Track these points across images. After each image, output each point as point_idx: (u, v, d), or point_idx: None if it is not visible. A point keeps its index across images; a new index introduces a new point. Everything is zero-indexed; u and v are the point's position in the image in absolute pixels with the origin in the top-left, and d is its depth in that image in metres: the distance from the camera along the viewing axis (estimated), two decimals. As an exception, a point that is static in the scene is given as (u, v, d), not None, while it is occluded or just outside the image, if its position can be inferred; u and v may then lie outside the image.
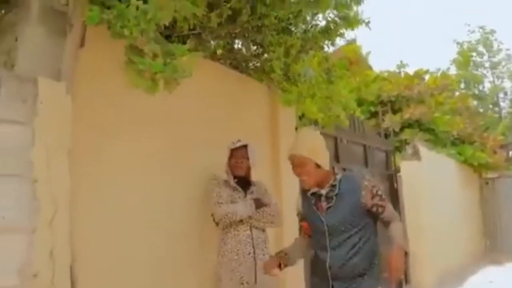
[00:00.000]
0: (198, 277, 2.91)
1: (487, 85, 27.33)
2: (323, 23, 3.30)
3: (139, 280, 2.48)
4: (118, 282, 2.36)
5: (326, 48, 3.45)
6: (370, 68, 9.87)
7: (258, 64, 3.26)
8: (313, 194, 2.69)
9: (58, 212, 1.98)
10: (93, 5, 2.24)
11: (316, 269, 2.73)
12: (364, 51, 8.45)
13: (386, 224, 2.64)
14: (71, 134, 2.10)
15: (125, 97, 2.48)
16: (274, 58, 2.94)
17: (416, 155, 8.12)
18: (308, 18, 3.16)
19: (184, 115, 2.86)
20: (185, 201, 2.85)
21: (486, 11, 43.54)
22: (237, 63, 3.32)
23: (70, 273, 2.01)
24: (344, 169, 5.68)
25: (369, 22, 3.07)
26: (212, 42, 2.97)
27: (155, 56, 2.23)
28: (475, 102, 24.22)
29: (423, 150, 8.36)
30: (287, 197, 3.67)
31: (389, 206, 2.65)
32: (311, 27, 3.20)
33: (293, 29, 3.16)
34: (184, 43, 2.82)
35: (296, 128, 3.81)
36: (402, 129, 9.63)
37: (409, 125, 9.81)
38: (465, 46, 27.47)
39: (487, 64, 27.66)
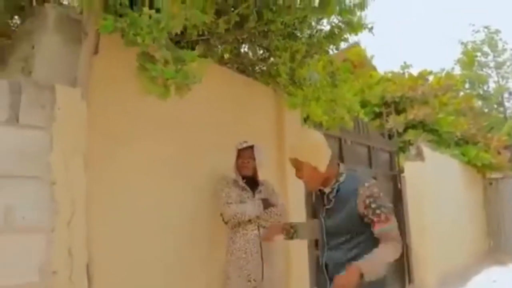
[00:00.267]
0: (207, 275, 2.99)
1: (492, 85, 27.26)
2: (327, 27, 3.36)
3: (151, 277, 2.57)
4: (131, 279, 2.45)
5: (330, 52, 3.53)
6: (374, 69, 9.93)
7: (264, 68, 3.34)
8: (320, 190, 2.59)
9: (75, 213, 2.07)
10: (107, 13, 2.34)
11: (319, 266, 2.67)
12: (368, 53, 8.50)
13: (377, 242, 2.38)
14: (86, 138, 2.19)
15: (137, 103, 2.57)
16: (280, 63, 3.03)
17: (419, 155, 8.18)
18: (313, 23, 3.24)
19: (194, 119, 2.94)
20: (195, 201, 2.94)
21: (490, 11, 43.46)
22: (243, 67, 3.40)
23: (86, 270, 2.10)
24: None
25: (372, 27, 3.16)
26: (219, 47, 3.04)
27: (166, 62, 2.32)
28: (479, 102, 24.20)
29: (426, 150, 8.42)
30: (293, 197, 3.76)
31: (382, 222, 2.35)
32: (316, 32, 3.28)
33: (298, 34, 3.24)
34: (193, 48, 2.92)
35: (301, 130, 3.88)
36: (406, 129, 9.69)
37: (413, 126, 9.87)
38: (469, 46, 27.42)
39: (492, 64, 27.59)
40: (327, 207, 2.55)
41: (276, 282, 3.09)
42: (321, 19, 3.19)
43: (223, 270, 2.98)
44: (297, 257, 3.89)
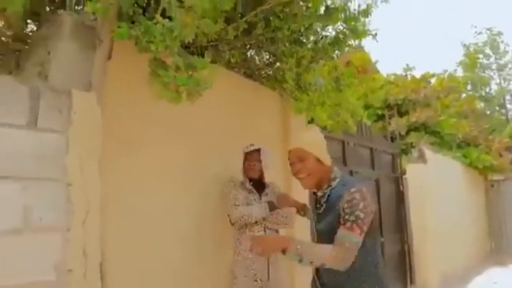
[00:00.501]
0: (216, 274, 3.07)
1: (494, 87, 27.28)
2: (332, 33, 3.43)
3: (160, 275, 2.65)
4: (141, 277, 2.53)
5: (335, 56, 3.60)
6: (377, 72, 10.00)
7: (271, 73, 3.41)
8: (314, 193, 2.53)
9: (90, 213, 2.15)
10: (120, 21, 2.42)
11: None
12: (372, 57, 8.56)
13: (364, 249, 2.26)
14: (101, 142, 2.27)
15: (149, 107, 2.64)
16: (286, 69, 3.11)
17: (421, 158, 8.25)
18: (319, 29, 3.31)
19: (203, 123, 3.02)
20: (204, 203, 3.01)
21: (493, 13, 43.44)
22: (250, 72, 3.47)
23: (100, 269, 2.18)
24: (351, 172, 5.85)
25: (376, 34, 3.24)
26: (228, 52, 3.12)
27: (177, 68, 2.40)
28: (481, 104, 24.25)
29: (428, 153, 8.48)
30: (298, 199, 3.83)
31: (346, 230, 2.20)
32: (321, 38, 3.35)
33: (304, 40, 3.32)
34: (202, 54, 3.00)
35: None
36: (408, 132, 9.75)
37: (415, 128, 9.93)
38: (471, 48, 27.45)
39: (494, 66, 27.61)
40: (318, 211, 2.49)
41: (282, 282, 3.17)
42: (326, 25, 3.26)
43: (230, 270, 3.06)
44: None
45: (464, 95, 19.48)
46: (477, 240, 11.93)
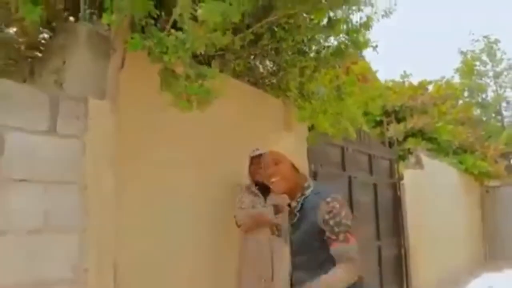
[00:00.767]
0: (224, 274, 3.17)
1: (490, 94, 27.50)
2: (334, 43, 3.55)
3: (171, 274, 2.75)
4: (152, 275, 2.63)
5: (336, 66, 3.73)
6: (377, 80, 10.16)
7: (274, 81, 3.53)
8: (289, 205, 2.45)
9: (104, 215, 2.26)
10: (133, 32, 2.53)
11: None
12: (372, 66, 8.71)
13: (334, 262, 2.22)
14: (115, 147, 2.39)
15: (159, 114, 2.75)
16: (290, 78, 3.24)
17: (419, 164, 8.39)
18: (321, 40, 3.43)
19: (211, 129, 3.12)
20: (212, 206, 3.11)
21: (490, 21, 43.78)
22: (255, 80, 3.59)
23: (113, 267, 2.29)
24: (350, 177, 5.97)
25: (376, 46, 3.37)
26: (234, 61, 3.23)
27: (187, 77, 2.51)
28: (478, 111, 24.45)
29: (425, 159, 8.62)
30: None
31: (342, 242, 2.17)
32: (323, 48, 3.47)
33: (307, 50, 3.44)
34: (209, 62, 3.11)
35: (307, 139, 4.06)
36: (405, 138, 9.89)
37: (413, 134, 10.07)
38: (469, 55, 27.66)
39: (490, 74, 27.83)
40: (292, 222, 2.41)
41: (286, 282, 3.28)
42: (328, 36, 3.38)
43: (237, 270, 3.17)
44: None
45: (461, 101, 19.69)
46: (472, 245, 12.07)
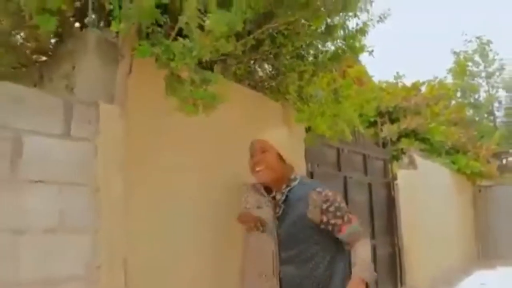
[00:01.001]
0: (229, 272, 3.27)
1: (482, 94, 27.78)
2: (331, 48, 3.67)
3: (178, 271, 2.85)
4: (160, 272, 2.73)
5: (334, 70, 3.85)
6: (372, 82, 10.32)
7: (273, 85, 3.64)
8: (273, 198, 2.44)
9: (115, 216, 2.37)
10: (140, 39, 2.63)
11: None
12: (367, 69, 8.85)
13: (348, 245, 2.30)
14: (124, 150, 2.49)
15: (165, 118, 2.85)
16: (290, 83, 3.36)
17: (412, 164, 8.54)
18: (319, 45, 3.55)
19: (215, 132, 3.22)
20: (217, 205, 3.19)
21: (482, 22, 44.16)
22: (254, 83, 3.69)
23: (123, 265, 2.40)
24: (345, 177, 6.10)
25: (372, 50, 3.49)
26: (235, 66, 3.34)
27: (192, 82, 2.62)
28: (471, 111, 24.72)
29: (418, 159, 8.78)
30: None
31: (347, 223, 2.23)
32: (321, 53, 3.59)
33: (305, 55, 3.55)
34: (211, 67, 3.22)
35: (305, 141, 4.17)
36: (399, 138, 10.05)
37: (406, 135, 10.24)
38: (461, 56, 27.91)
39: (483, 74, 28.11)
40: (277, 215, 2.40)
41: None
42: (326, 42, 3.50)
43: (240, 268, 3.27)
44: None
45: (453, 102, 19.91)
46: (465, 244, 12.25)
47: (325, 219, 2.24)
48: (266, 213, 3.19)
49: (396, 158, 8.86)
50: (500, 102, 27.39)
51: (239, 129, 3.44)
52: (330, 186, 2.63)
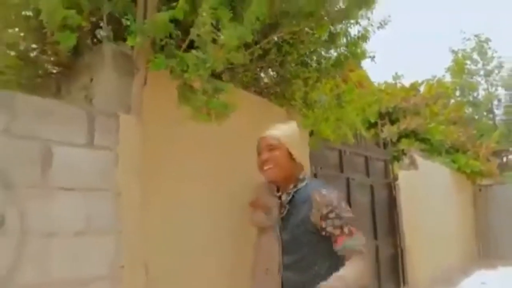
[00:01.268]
0: (241, 272, 3.41)
1: (481, 92, 27.88)
2: (334, 54, 3.82)
3: (195, 272, 2.99)
4: (177, 271, 2.87)
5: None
6: (372, 85, 10.48)
7: (279, 90, 3.78)
8: (279, 198, 2.35)
9: (135, 219, 2.52)
10: (154, 52, 2.78)
11: None
12: (368, 72, 9.02)
13: (342, 258, 2.08)
14: (141, 157, 2.64)
15: (179, 126, 3.00)
16: (295, 89, 3.51)
17: (413, 164, 8.68)
18: (323, 53, 3.71)
19: (224, 139, 3.36)
20: (229, 208, 3.32)
21: (481, 19, 44.37)
22: (260, 90, 3.84)
23: (144, 265, 2.55)
24: (348, 179, 6.25)
25: (374, 56, 3.64)
26: (242, 74, 3.49)
27: (204, 91, 2.77)
28: (470, 109, 24.84)
29: (418, 159, 8.91)
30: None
31: (345, 236, 1.99)
32: (324, 59, 3.74)
33: (309, 61, 3.71)
34: (219, 75, 3.37)
35: (309, 144, 4.31)
36: (399, 139, 10.18)
37: (406, 135, 10.37)
38: (460, 54, 28.00)
39: (481, 72, 28.21)
40: (282, 216, 2.26)
41: None
42: (329, 49, 3.65)
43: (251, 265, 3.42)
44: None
45: (452, 100, 20.05)
46: (465, 243, 12.36)
47: (323, 225, 2.09)
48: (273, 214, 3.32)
49: (396, 158, 9.00)
50: (499, 100, 27.53)
51: (246, 134, 3.59)
52: (333, 187, 2.52)
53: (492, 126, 23.57)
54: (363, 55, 3.68)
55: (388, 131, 9.42)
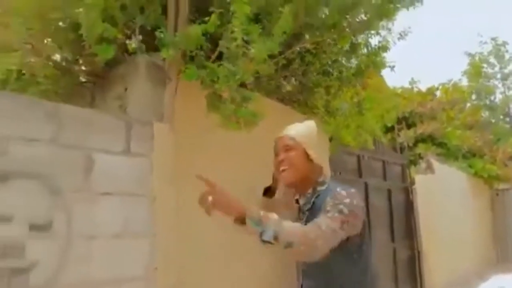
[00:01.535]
0: (269, 275, 3.53)
1: (498, 96, 27.60)
2: (355, 64, 3.93)
3: (225, 275, 3.11)
4: (206, 272, 3.00)
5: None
6: (390, 91, 10.55)
7: (301, 98, 3.90)
8: (297, 201, 2.21)
9: (169, 224, 2.65)
10: (186, 63, 2.92)
11: None
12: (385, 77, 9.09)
13: (365, 267, 2.00)
14: (174, 163, 2.77)
15: (207, 133, 3.12)
16: (318, 98, 3.63)
17: (430, 168, 8.72)
18: (344, 62, 3.82)
19: (251, 144, 3.49)
20: None
21: (498, 23, 44.02)
22: (282, 97, 3.96)
23: (177, 267, 2.68)
24: (366, 183, 6.34)
25: (394, 66, 3.75)
26: (266, 82, 3.61)
27: (233, 100, 2.89)
28: (486, 113, 24.64)
29: (435, 163, 8.96)
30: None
31: (327, 218, 1.78)
32: (346, 69, 3.85)
33: (331, 71, 3.82)
34: (244, 84, 3.49)
35: (329, 149, 4.42)
36: (415, 143, 10.22)
37: (423, 140, 10.40)
38: (476, 58, 27.78)
39: (498, 75, 27.94)
40: (301, 222, 2.04)
41: None
42: (350, 58, 3.77)
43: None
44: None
45: (468, 104, 19.95)
46: (483, 248, 12.32)
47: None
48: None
49: (413, 163, 9.05)
50: (516, 104, 27.22)
51: (270, 141, 3.71)
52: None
53: (509, 130, 23.31)
54: (383, 64, 3.78)
55: (404, 136, 9.47)
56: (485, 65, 27.81)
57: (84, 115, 2.35)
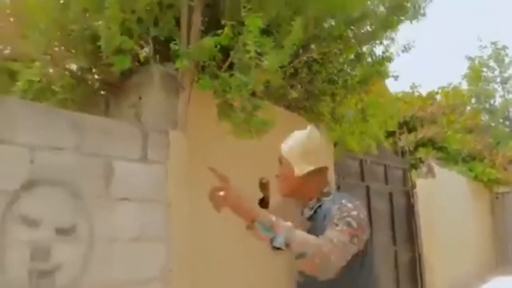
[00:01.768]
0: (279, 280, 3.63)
1: (498, 99, 27.67)
2: (360, 72, 4.04)
3: (238, 278, 3.21)
4: (218, 274, 3.10)
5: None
6: (392, 97, 10.66)
7: (307, 105, 4.01)
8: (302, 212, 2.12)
9: (183, 228, 2.76)
10: (198, 72, 3.03)
11: None
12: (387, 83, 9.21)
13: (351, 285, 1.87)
14: (188, 170, 2.88)
15: (218, 141, 3.23)
16: (324, 105, 3.75)
17: (431, 172, 8.82)
18: (349, 70, 3.93)
19: (260, 151, 3.59)
20: None
21: (498, 27, 44.16)
22: (288, 104, 4.08)
23: (191, 269, 2.79)
24: (368, 187, 6.45)
25: (398, 76, 3.87)
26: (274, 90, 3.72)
27: (243, 109, 3.00)
28: (486, 116, 24.72)
29: (436, 167, 9.06)
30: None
31: (336, 231, 1.71)
32: (351, 77, 3.97)
33: (336, 79, 3.94)
34: (253, 92, 3.60)
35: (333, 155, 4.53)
36: (416, 147, 10.32)
37: (423, 144, 10.50)
38: (476, 61, 27.87)
39: (498, 79, 28.02)
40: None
41: None
42: (355, 67, 3.88)
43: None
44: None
45: (468, 108, 20.06)
46: (483, 250, 12.40)
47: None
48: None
49: (414, 167, 9.15)
50: (516, 107, 27.32)
51: (276, 148, 3.82)
52: (354, 195, 2.18)
53: (508, 134, 23.40)
54: (387, 74, 3.90)
55: (405, 140, 9.57)
56: (485, 69, 27.91)
57: (103, 124, 2.47)
